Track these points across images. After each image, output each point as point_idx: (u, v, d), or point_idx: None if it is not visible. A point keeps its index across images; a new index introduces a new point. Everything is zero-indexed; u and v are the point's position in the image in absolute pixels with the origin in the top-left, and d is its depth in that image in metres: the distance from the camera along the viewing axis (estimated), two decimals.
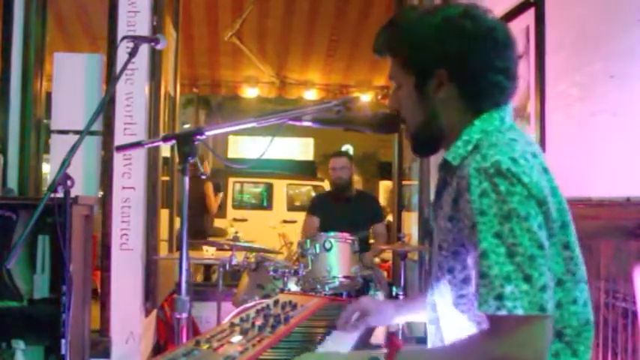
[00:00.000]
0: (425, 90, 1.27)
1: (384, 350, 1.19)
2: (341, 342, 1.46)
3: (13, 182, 3.64)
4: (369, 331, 1.63)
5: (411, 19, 1.31)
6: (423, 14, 1.31)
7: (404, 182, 5.26)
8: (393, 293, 3.71)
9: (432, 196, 1.42)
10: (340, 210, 4.31)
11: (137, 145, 1.93)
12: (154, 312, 4.21)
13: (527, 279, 1.05)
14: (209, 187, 7.20)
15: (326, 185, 10.09)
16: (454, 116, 1.27)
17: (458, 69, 1.24)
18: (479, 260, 1.09)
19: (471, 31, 1.23)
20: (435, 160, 3.21)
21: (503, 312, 1.05)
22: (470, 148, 1.23)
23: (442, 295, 1.30)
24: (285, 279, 3.44)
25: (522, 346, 1.05)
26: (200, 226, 6.91)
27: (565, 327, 1.19)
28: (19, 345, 2.87)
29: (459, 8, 1.27)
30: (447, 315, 1.30)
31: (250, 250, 3.93)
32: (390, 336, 1.28)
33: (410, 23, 1.30)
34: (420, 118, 1.31)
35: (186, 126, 13.05)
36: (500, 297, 1.05)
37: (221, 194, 7.70)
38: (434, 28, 1.25)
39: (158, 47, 2.08)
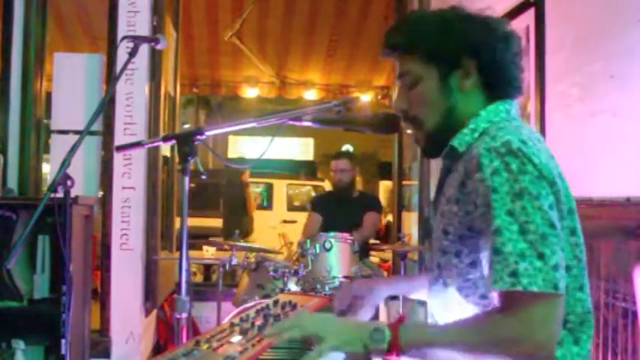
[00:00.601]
0: (448, 81, 1.28)
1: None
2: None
3: (13, 182, 3.64)
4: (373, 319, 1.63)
5: (433, 14, 1.32)
6: (436, 12, 1.32)
7: (404, 182, 5.25)
8: None
9: (433, 195, 1.41)
10: (341, 210, 4.30)
11: (137, 145, 1.93)
12: (154, 312, 4.22)
13: (541, 256, 1.05)
14: (249, 190, 7.71)
15: (326, 185, 10.10)
16: (472, 108, 1.28)
17: (486, 58, 1.25)
18: (493, 237, 1.09)
19: (497, 25, 1.28)
20: (435, 160, 3.20)
21: (518, 288, 1.04)
22: (476, 135, 1.25)
23: (437, 296, 1.29)
24: (285, 279, 3.44)
25: (537, 326, 1.04)
26: (243, 227, 7.41)
27: (569, 313, 1.19)
28: (19, 345, 2.87)
29: (474, 14, 1.31)
30: (442, 317, 1.29)
31: (250, 250, 3.93)
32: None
33: (430, 17, 1.31)
34: (438, 113, 1.30)
35: (186, 126, 13.06)
36: (514, 273, 1.05)
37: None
38: (460, 18, 1.27)
39: (158, 47, 2.08)
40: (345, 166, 4.34)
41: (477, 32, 1.26)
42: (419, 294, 1.55)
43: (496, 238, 1.08)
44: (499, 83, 1.28)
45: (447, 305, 1.28)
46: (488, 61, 1.26)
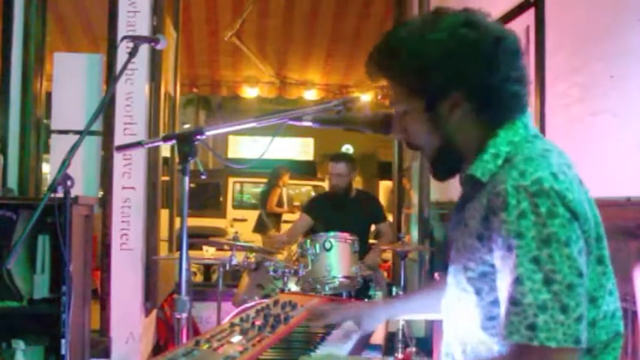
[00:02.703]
0: (438, 113, 1.18)
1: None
2: (340, 342, 1.46)
3: (13, 182, 3.64)
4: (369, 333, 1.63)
5: (411, 39, 1.18)
6: (422, 30, 1.18)
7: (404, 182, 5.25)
8: (393, 293, 3.70)
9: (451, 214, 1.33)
10: (339, 211, 4.28)
11: (137, 145, 1.93)
12: (154, 312, 4.21)
13: (564, 309, 0.99)
14: (276, 190, 8.10)
15: (326, 185, 10.08)
16: (471, 134, 1.19)
17: (473, 88, 1.15)
18: (512, 286, 1.02)
19: (482, 44, 1.14)
20: None
21: (535, 343, 0.99)
22: (500, 162, 1.14)
23: (456, 335, 1.25)
24: (285, 279, 3.44)
25: None
26: (259, 221, 8.13)
27: (596, 343, 1.14)
28: (19, 345, 2.86)
29: (458, 17, 1.18)
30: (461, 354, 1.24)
31: (250, 250, 3.93)
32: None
33: (411, 43, 1.17)
34: (435, 144, 1.22)
35: (186, 126, 13.06)
36: (532, 327, 0.99)
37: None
38: (441, 46, 1.14)
39: (158, 47, 2.08)
40: (342, 171, 4.24)
41: (463, 60, 1.13)
42: (419, 315, 1.53)
43: (516, 287, 1.01)
44: (492, 108, 1.17)
45: (466, 342, 1.21)
46: (476, 89, 1.15)
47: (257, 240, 8.10)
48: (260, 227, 8.18)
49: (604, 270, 1.13)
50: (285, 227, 8.27)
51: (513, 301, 1.02)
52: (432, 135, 1.21)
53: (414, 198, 4.72)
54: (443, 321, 1.32)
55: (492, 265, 1.11)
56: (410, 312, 1.59)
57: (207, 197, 9.98)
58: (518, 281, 1.01)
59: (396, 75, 1.21)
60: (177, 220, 4.66)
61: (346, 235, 3.57)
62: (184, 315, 1.63)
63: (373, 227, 4.49)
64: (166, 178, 5.08)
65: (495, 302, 1.11)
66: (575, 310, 0.99)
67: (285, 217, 8.70)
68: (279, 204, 8.37)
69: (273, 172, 8.37)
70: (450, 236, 1.30)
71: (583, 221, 1.05)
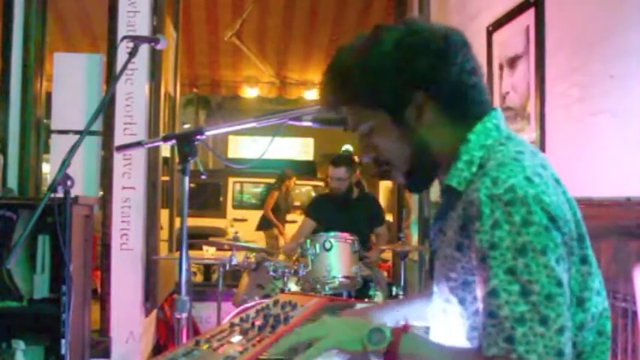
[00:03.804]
0: (405, 121, 1.15)
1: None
2: None
3: (13, 182, 3.64)
4: None
5: (358, 57, 1.16)
6: (365, 47, 1.16)
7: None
8: (393, 293, 3.70)
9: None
10: (340, 212, 4.28)
11: (137, 145, 1.93)
12: (154, 312, 4.22)
13: (544, 321, 0.94)
14: (274, 193, 8.18)
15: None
16: (444, 137, 1.16)
17: (433, 85, 1.13)
18: (488, 298, 0.98)
19: (430, 43, 1.13)
20: None
21: (513, 356, 0.94)
22: (474, 169, 1.11)
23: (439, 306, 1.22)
24: (285, 279, 3.44)
25: None
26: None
27: (585, 346, 1.10)
28: (19, 345, 2.86)
29: (399, 27, 1.17)
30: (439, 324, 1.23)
31: (250, 250, 3.93)
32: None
33: (359, 61, 1.15)
34: (407, 154, 1.18)
35: (186, 126, 13.06)
36: (510, 339, 0.95)
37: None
38: (390, 53, 1.13)
39: (158, 47, 2.08)
40: (342, 175, 4.21)
41: (416, 60, 1.12)
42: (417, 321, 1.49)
43: (492, 300, 0.97)
44: (457, 103, 1.15)
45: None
46: (436, 85, 1.13)
47: (258, 239, 8.10)
48: (263, 225, 8.18)
49: (589, 270, 1.10)
50: (288, 227, 8.28)
51: (489, 314, 0.98)
52: (403, 144, 1.18)
53: (414, 198, 4.72)
54: (430, 330, 1.30)
55: (473, 274, 1.08)
56: (400, 317, 1.55)
57: (207, 197, 9.98)
58: (493, 293, 0.97)
59: (353, 96, 1.18)
60: (177, 220, 4.66)
61: (346, 235, 3.57)
62: (184, 315, 1.63)
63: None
64: (166, 178, 5.08)
65: (478, 312, 1.08)
66: (555, 321, 0.95)
67: (288, 217, 8.72)
68: (277, 208, 8.27)
69: (279, 174, 8.38)
70: (432, 246, 1.27)
71: (562, 223, 1.01)
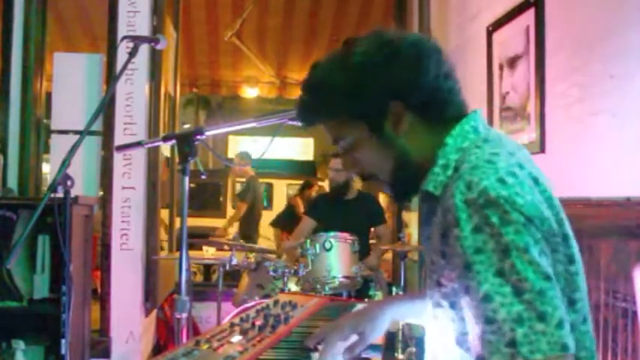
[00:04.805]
0: (384, 132, 1.16)
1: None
2: (340, 344, 1.45)
3: (13, 182, 3.64)
4: None
5: (331, 72, 1.17)
6: (338, 61, 1.18)
7: None
8: (393, 293, 3.70)
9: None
10: (339, 211, 4.28)
11: (137, 145, 1.93)
12: (154, 312, 4.22)
13: (542, 317, 0.93)
14: (298, 202, 8.12)
15: (326, 185, 10.08)
16: (424, 144, 1.16)
17: (409, 93, 1.13)
18: (481, 305, 0.96)
19: (402, 51, 1.13)
20: None
21: (518, 359, 0.92)
22: (450, 172, 1.11)
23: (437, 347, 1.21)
24: (285, 279, 3.44)
25: None
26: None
27: (581, 350, 1.08)
28: (19, 345, 2.87)
29: (369, 40, 1.17)
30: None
31: (250, 250, 3.93)
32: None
33: (333, 75, 1.17)
34: (390, 165, 1.18)
35: (186, 126, 13.05)
36: (513, 343, 0.93)
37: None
38: (363, 65, 1.13)
39: (158, 47, 2.08)
40: (340, 166, 4.23)
41: (390, 69, 1.12)
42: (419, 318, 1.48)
43: (486, 305, 0.95)
44: (435, 109, 1.15)
45: (447, 357, 1.17)
46: (412, 93, 1.13)
47: (258, 239, 8.10)
48: (279, 223, 8.10)
49: (576, 270, 1.08)
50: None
51: (487, 320, 0.96)
52: (385, 156, 1.18)
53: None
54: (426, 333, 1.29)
55: (458, 281, 1.06)
56: (413, 315, 1.55)
57: (207, 197, 9.99)
58: (486, 298, 0.95)
59: (330, 111, 1.19)
60: (177, 220, 4.67)
61: (346, 235, 3.57)
62: (184, 315, 1.63)
63: (372, 229, 4.49)
64: (166, 179, 5.09)
65: (469, 317, 1.06)
66: (553, 315, 0.94)
67: None
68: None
69: (304, 182, 8.48)
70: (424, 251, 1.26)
71: (539, 222, 1.00)
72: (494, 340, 0.95)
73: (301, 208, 8.06)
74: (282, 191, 10.69)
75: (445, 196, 1.07)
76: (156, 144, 2.12)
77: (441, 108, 1.15)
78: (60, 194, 1.86)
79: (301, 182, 11.24)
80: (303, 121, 1.26)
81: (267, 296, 3.43)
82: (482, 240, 0.97)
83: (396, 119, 1.15)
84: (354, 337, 1.36)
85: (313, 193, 8.44)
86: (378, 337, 1.44)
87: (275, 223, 8.19)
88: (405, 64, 1.13)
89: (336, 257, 3.49)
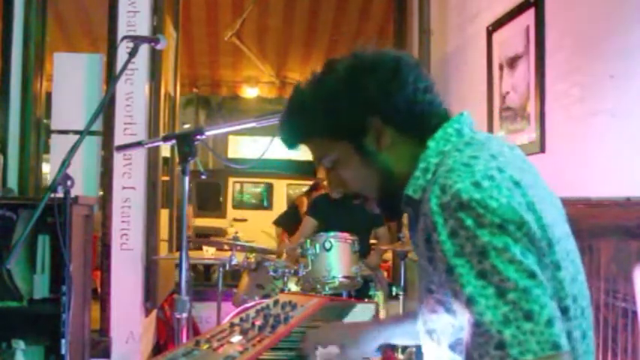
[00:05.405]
0: (366, 147, 1.16)
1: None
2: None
3: (13, 182, 3.64)
4: None
5: (311, 91, 1.20)
6: (317, 82, 1.20)
7: None
8: (393, 293, 3.70)
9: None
10: (340, 212, 4.28)
11: (137, 145, 1.93)
12: (154, 312, 4.22)
13: (529, 316, 0.91)
14: (304, 201, 7.92)
15: (326, 186, 10.07)
16: (406, 157, 1.16)
17: (388, 108, 1.14)
18: (467, 308, 0.95)
19: (380, 67, 1.15)
20: None
21: None
22: (429, 176, 1.11)
23: (430, 353, 1.19)
24: (285, 279, 3.44)
25: None
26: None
27: (577, 357, 1.05)
28: (19, 345, 2.87)
29: (348, 59, 1.19)
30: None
31: (250, 250, 3.93)
32: (385, 348, 1.12)
33: (312, 94, 1.19)
34: (375, 181, 1.19)
35: (186, 126, 13.05)
36: (501, 345, 0.90)
37: None
38: (341, 83, 1.15)
39: (158, 47, 2.08)
40: None
41: (367, 86, 1.14)
42: (408, 340, 1.47)
43: (472, 308, 0.94)
44: (413, 122, 1.15)
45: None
46: (391, 109, 1.14)
47: (259, 239, 8.10)
48: (282, 222, 8.08)
49: (565, 276, 1.05)
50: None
51: (474, 323, 0.94)
52: (368, 172, 1.18)
53: None
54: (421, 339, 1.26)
55: (445, 286, 1.05)
56: (401, 337, 1.52)
57: (207, 197, 9.99)
58: (471, 301, 0.94)
59: (311, 130, 1.21)
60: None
61: (346, 235, 3.57)
62: (184, 315, 1.63)
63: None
64: (166, 178, 5.09)
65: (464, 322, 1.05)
66: (541, 313, 0.91)
67: None
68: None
69: (313, 183, 8.41)
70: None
71: (517, 225, 0.97)
72: (482, 342, 0.93)
73: (305, 209, 8.08)
74: (282, 191, 10.68)
75: (424, 199, 1.06)
76: (156, 144, 2.12)
77: (422, 121, 1.16)
78: (60, 194, 1.86)
79: (301, 182, 11.26)
80: (285, 142, 1.27)
81: (267, 296, 3.43)
82: (459, 244, 0.96)
83: (377, 134, 1.15)
84: (333, 349, 1.34)
85: (317, 194, 8.42)
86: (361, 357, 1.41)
87: (278, 222, 8.18)
88: (382, 80, 1.14)
89: (336, 257, 3.49)
